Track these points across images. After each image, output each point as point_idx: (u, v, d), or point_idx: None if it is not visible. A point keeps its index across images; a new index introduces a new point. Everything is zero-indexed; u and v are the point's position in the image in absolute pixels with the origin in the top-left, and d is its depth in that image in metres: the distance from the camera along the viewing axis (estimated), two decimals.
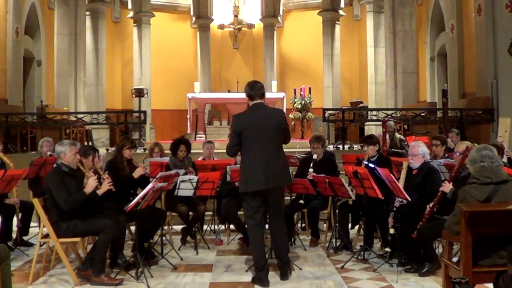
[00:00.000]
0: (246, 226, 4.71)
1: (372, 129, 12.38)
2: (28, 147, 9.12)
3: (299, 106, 12.57)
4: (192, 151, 6.25)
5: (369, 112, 10.52)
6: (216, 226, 6.23)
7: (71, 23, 12.07)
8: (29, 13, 11.43)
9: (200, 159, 6.81)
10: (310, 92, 12.66)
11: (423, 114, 9.84)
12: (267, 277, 4.44)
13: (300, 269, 4.88)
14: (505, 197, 3.58)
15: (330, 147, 9.01)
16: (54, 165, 4.66)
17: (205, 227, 6.39)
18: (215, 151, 7.12)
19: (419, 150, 4.86)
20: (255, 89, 4.53)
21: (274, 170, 4.40)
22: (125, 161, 5.30)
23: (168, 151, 6.30)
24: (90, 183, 4.46)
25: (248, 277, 4.64)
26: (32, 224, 5.91)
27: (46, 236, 4.61)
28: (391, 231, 4.72)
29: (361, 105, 12.82)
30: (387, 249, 4.89)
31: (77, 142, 5.24)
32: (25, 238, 5.80)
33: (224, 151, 7.92)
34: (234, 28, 15.77)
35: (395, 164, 5.64)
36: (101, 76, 13.88)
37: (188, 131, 11.73)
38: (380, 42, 14.18)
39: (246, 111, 4.62)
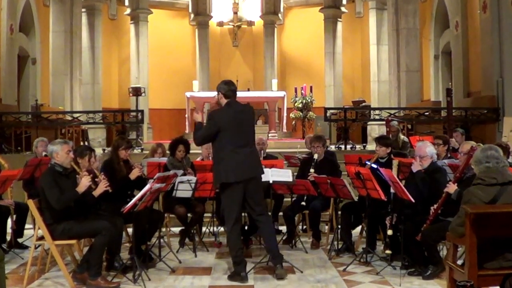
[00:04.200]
0: (226, 226, 4.88)
1: (375, 128, 12.28)
2: (23, 147, 9.02)
3: (300, 105, 12.50)
4: (191, 151, 6.19)
5: (371, 111, 10.43)
6: (215, 228, 6.18)
7: (67, 20, 11.92)
8: (23, 10, 11.33)
9: (199, 159, 6.73)
10: (311, 91, 12.58)
11: (427, 113, 9.75)
12: (245, 271, 4.59)
13: (301, 272, 4.82)
14: (511, 198, 3.53)
15: (332, 147, 8.92)
16: (48, 166, 4.59)
17: (204, 229, 6.34)
18: None
19: (426, 151, 4.78)
20: (232, 87, 4.77)
21: (252, 161, 4.71)
22: (121, 162, 5.25)
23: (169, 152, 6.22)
24: (83, 182, 4.41)
25: (248, 280, 4.57)
26: (27, 226, 5.85)
27: (41, 238, 4.56)
28: (389, 232, 4.70)
29: (363, 104, 12.74)
30: (388, 251, 4.85)
31: (69, 140, 5.17)
32: (19, 240, 5.73)
33: None
34: (233, 26, 15.69)
35: (400, 165, 5.52)
36: (98, 74, 13.78)
37: (187, 131, 11.66)
38: (383, 40, 14.09)
39: (224, 108, 4.79)
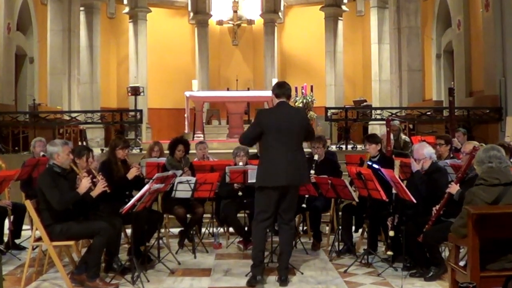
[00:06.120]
0: (252, 223, 4.74)
1: (376, 128, 12.20)
2: (20, 147, 8.97)
3: (300, 105, 12.41)
4: (190, 151, 6.16)
5: (373, 111, 10.39)
6: (214, 229, 6.14)
7: (65, 19, 11.87)
8: (21, 8, 11.27)
9: (196, 160, 6.69)
10: (312, 90, 12.49)
11: (429, 113, 9.70)
12: (262, 274, 4.49)
13: (302, 273, 4.79)
14: None
15: (333, 147, 8.88)
16: (46, 166, 4.56)
17: (203, 230, 6.30)
18: (214, 151, 7.02)
19: (424, 153, 4.74)
20: (283, 88, 4.65)
21: (294, 168, 4.47)
22: (119, 162, 5.22)
23: (167, 151, 6.19)
24: (84, 184, 4.38)
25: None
26: (24, 226, 5.81)
27: (39, 239, 4.53)
28: (391, 233, 4.68)
29: (364, 103, 12.68)
30: (389, 253, 4.82)
31: (69, 141, 5.14)
32: (17, 241, 5.70)
33: (223, 151, 7.89)
34: (233, 24, 15.64)
35: (401, 165, 5.48)
36: (96, 73, 13.71)
37: (186, 131, 11.59)
38: (384, 39, 14.05)
39: (271, 108, 4.74)
